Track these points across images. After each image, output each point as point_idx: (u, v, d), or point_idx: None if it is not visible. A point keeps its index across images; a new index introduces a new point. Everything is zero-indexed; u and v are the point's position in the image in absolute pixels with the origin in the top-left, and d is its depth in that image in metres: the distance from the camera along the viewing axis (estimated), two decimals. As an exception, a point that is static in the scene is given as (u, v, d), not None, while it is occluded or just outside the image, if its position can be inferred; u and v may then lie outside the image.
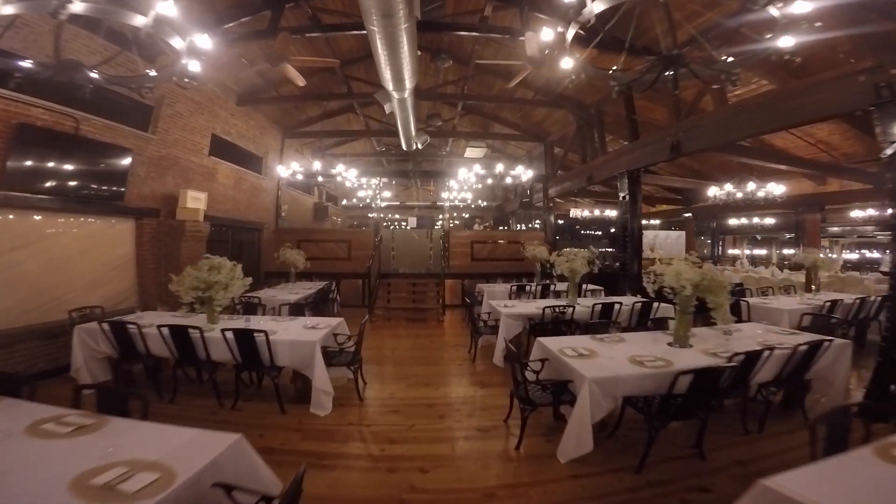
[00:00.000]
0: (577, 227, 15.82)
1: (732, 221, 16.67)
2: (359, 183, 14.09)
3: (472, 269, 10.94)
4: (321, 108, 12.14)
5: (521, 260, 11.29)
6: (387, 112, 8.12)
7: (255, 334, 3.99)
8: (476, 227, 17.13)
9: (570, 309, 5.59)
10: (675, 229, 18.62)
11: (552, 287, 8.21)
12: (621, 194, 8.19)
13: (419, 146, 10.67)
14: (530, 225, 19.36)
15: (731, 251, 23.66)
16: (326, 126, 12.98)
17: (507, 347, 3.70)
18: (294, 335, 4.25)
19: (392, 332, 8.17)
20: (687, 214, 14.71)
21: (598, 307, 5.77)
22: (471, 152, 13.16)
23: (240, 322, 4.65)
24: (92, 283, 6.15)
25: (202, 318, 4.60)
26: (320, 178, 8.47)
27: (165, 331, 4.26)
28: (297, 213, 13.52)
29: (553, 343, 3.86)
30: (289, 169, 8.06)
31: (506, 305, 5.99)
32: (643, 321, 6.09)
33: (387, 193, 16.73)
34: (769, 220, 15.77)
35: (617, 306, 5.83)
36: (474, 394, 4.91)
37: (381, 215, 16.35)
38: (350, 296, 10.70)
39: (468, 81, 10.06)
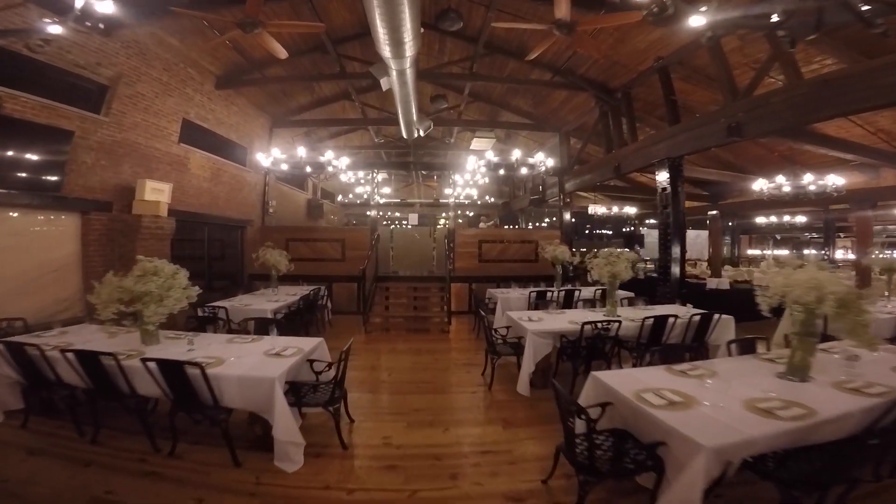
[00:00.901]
0: (588, 225, 14.63)
1: (759, 220, 15.43)
2: (356, 177, 12.93)
3: (479, 272, 9.75)
4: (313, 94, 10.97)
5: (535, 261, 10.12)
6: (384, 88, 6.96)
7: (189, 368, 2.81)
8: (482, 225, 15.99)
9: (616, 324, 4.39)
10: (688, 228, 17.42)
11: (577, 293, 7.02)
12: (660, 186, 7.00)
13: (421, 133, 9.51)
14: (539, 223, 18.17)
15: (748, 252, 22.45)
16: (319, 115, 11.82)
17: (557, 391, 2.51)
18: (247, 368, 3.07)
19: (389, 345, 6.99)
20: (713, 212, 13.48)
21: (650, 321, 4.57)
22: (477, 144, 11.99)
23: (180, 345, 3.47)
24: (19, 290, 4.99)
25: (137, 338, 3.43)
26: (309, 169, 7.32)
27: (72, 356, 3.09)
28: (289, 210, 12.36)
29: (620, 382, 2.69)
30: (269, 156, 6.92)
31: (530, 319, 4.80)
32: (699, 337, 4.90)
33: (386, 190, 15.57)
34: (800, 219, 14.52)
35: (672, 320, 4.63)
36: (497, 438, 3.71)
37: (380, 213, 15.19)
38: (344, 301, 9.52)
39: (477, 61, 8.88)
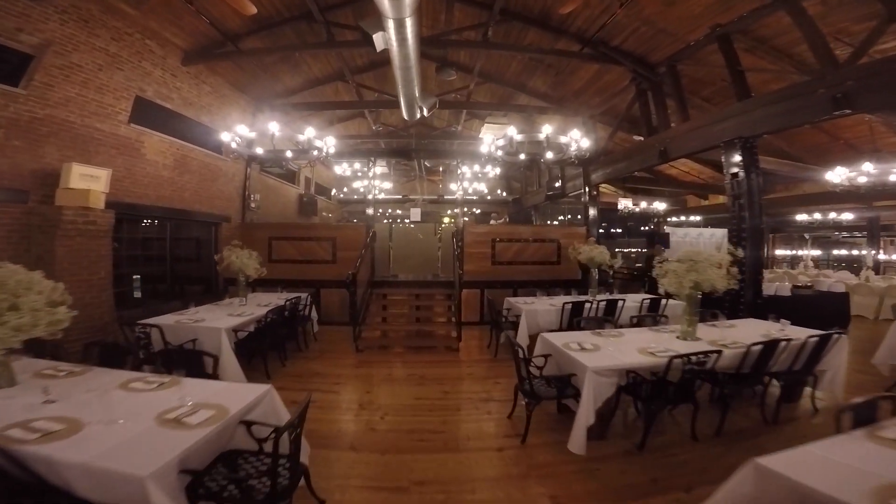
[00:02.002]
0: (604, 223, 13.16)
1: (800, 217, 13.93)
2: (352, 170, 11.56)
3: (492, 276, 8.35)
4: (301, 73, 9.63)
5: (556, 263, 8.72)
6: (378, 48, 5.59)
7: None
8: (493, 223, 14.57)
9: (714, 356, 2.98)
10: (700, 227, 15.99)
11: (621, 305, 5.62)
12: (730, 171, 5.59)
13: (425, 112, 8.13)
14: (552, 222, 16.75)
15: (777, 252, 20.90)
16: (309, 97, 10.47)
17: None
18: (108, 447, 1.70)
19: (385, 369, 5.61)
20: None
21: (757, 348, 3.17)
22: (489, 132, 10.61)
23: (35, 393, 2.10)
24: None
25: None
26: (289, 153, 5.97)
27: None
28: (276, 206, 11.01)
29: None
30: (232, 134, 5.55)
31: (582, 348, 3.36)
32: (810, 365, 3.50)
33: (386, 185, 14.21)
34: (846, 216, 13.02)
35: (783, 343, 3.22)
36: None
37: (379, 211, 13.81)
38: (336, 310, 8.14)
39: (491, 27, 7.49)
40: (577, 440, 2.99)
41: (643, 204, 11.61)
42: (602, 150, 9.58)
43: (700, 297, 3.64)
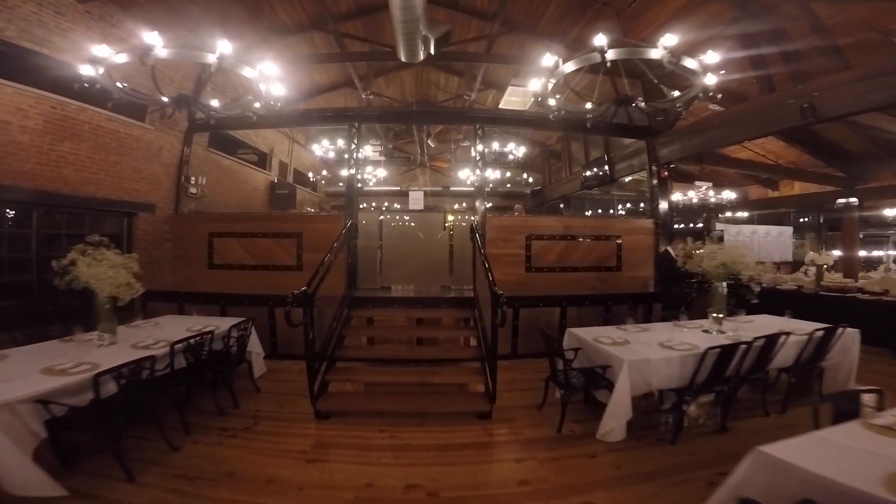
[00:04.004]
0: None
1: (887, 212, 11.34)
2: (334, 148, 9.04)
3: (527, 288, 5.80)
4: (262, 20, 7.13)
5: (616, 269, 6.19)
6: None
7: None
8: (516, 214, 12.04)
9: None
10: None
11: (781, 340, 3.07)
12: None
13: (432, 48, 5.61)
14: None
15: (835, 252, 18.28)
16: (279, 52, 7.94)
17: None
18: None
19: (361, 466, 3.07)
20: (846, 199, 9.36)
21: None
22: (512, 98, 8.12)
23: None
24: None
25: None
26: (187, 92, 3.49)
27: None
28: (236, 195, 8.49)
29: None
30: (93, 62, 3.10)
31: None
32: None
33: (381, 173, 11.67)
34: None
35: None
36: None
37: (373, 204, 11.25)
38: (300, 339, 5.59)
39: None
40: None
41: (690, 193, 9.05)
42: (674, 118, 7.04)
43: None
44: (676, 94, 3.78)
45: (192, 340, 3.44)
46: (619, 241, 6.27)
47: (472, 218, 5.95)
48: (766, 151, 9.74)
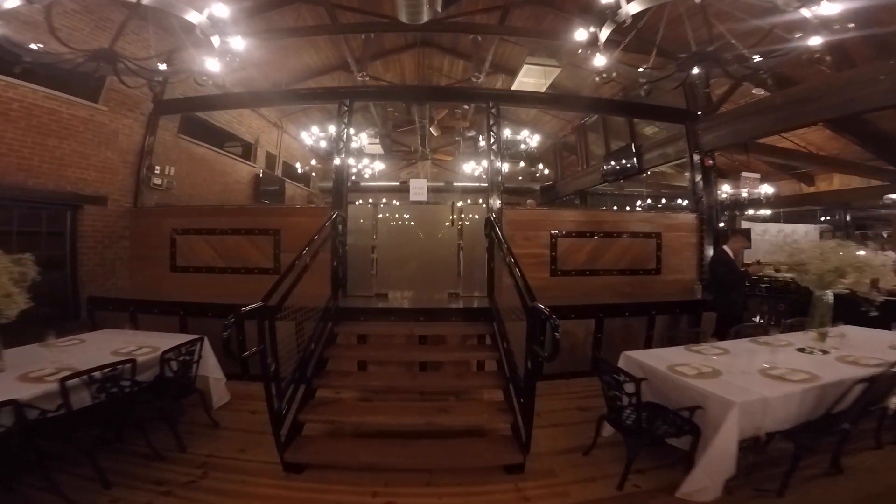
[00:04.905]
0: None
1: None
2: (325, 135, 8.09)
3: (553, 295, 4.75)
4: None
5: (654, 273, 5.22)
6: None
7: None
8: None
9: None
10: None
11: None
12: None
13: (439, 7, 4.63)
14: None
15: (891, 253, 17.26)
16: (261, 25, 6.98)
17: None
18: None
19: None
20: (898, 194, 8.39)
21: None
22: (528, 77, 7.16)
23: None
24: None
25: None
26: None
27: None
28: (213, 189, 7.50)
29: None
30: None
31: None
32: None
33: (379, 166, 10.69)
34: None
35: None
36: None
37: (369, 200, 10.24)
38: (284, 351, 4.59)
39: None
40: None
41: (763, 187, 8.06)
42: (718, 101, 6.07)
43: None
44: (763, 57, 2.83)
45: (102, 373, 2.45)
46: (658, 240, 5.29)
47: (491, 204, 4.95)
48: (806, 142, 8.77)
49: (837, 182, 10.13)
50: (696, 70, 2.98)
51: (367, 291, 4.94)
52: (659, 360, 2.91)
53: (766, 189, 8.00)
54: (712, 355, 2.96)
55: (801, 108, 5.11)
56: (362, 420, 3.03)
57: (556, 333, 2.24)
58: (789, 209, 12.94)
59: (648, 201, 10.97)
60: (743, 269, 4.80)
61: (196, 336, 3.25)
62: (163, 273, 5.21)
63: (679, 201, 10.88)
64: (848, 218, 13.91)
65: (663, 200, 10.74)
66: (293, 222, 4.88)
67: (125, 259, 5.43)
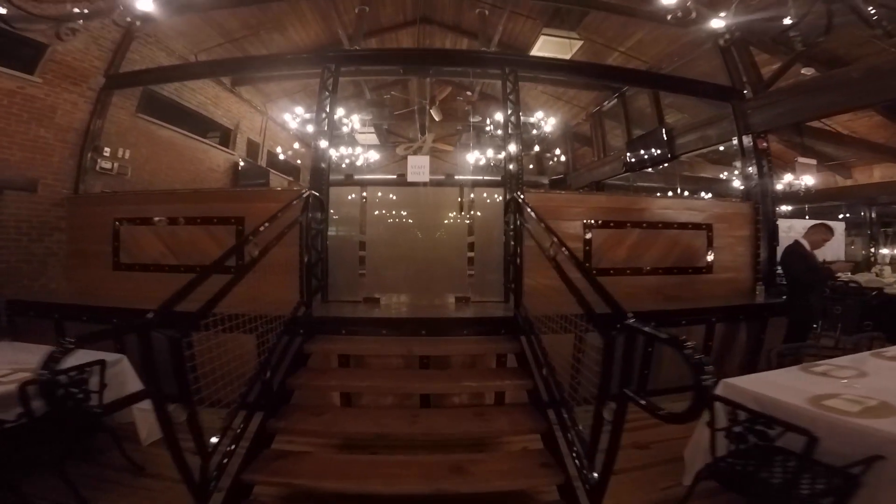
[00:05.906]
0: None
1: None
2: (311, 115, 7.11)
3: (589, 301, 3.83)
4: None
5: (703, 272, 4.29)
6: None
7: None
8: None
9: None
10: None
11: None
12: None
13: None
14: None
15: (883, 251, 16.47)
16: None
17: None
18: None
19: None
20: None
21: None
22: (547, 46, 6.24)
23: None
24: None
25: None
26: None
27: None
28: (180, 177, 6.50)
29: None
30: None
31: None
32: None
33: (373, 156, 9.73)
34: None
35: None
36: None
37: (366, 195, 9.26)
38: (227, 376, 3.61)
39: None
40: None
41: (805, 178, 7.17)
42: (770, 78, 5.12)
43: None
44: None
45: None
46: (709, 232, 4.35)
47: (513, 184, 4.01)
48: (850, 130, 7.87)
49: (878, 175, 9.23)
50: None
51: (353, 296, 3.97)
52: (781, 389, 2.07)
53: (808, 180, 7.11)
54: (844, 378, 2.11)
55: (884, 83, 4.19)
56: (340, 487, 2.05)
57: (704, 378, 1.28)
58: (814, 205, 12.08)
59: (669, 194, 10.03)
60: (825, 267, 3.88)
61: (94, 359, 2.28)
62: (104, 273, 4.24)
63: (702, 194, 9.95)
64: (872, 214, 13.08)
65: (685, 193, 9.80)
66: (260, 209, 3.90)
67: (60, 255, 4.46)
